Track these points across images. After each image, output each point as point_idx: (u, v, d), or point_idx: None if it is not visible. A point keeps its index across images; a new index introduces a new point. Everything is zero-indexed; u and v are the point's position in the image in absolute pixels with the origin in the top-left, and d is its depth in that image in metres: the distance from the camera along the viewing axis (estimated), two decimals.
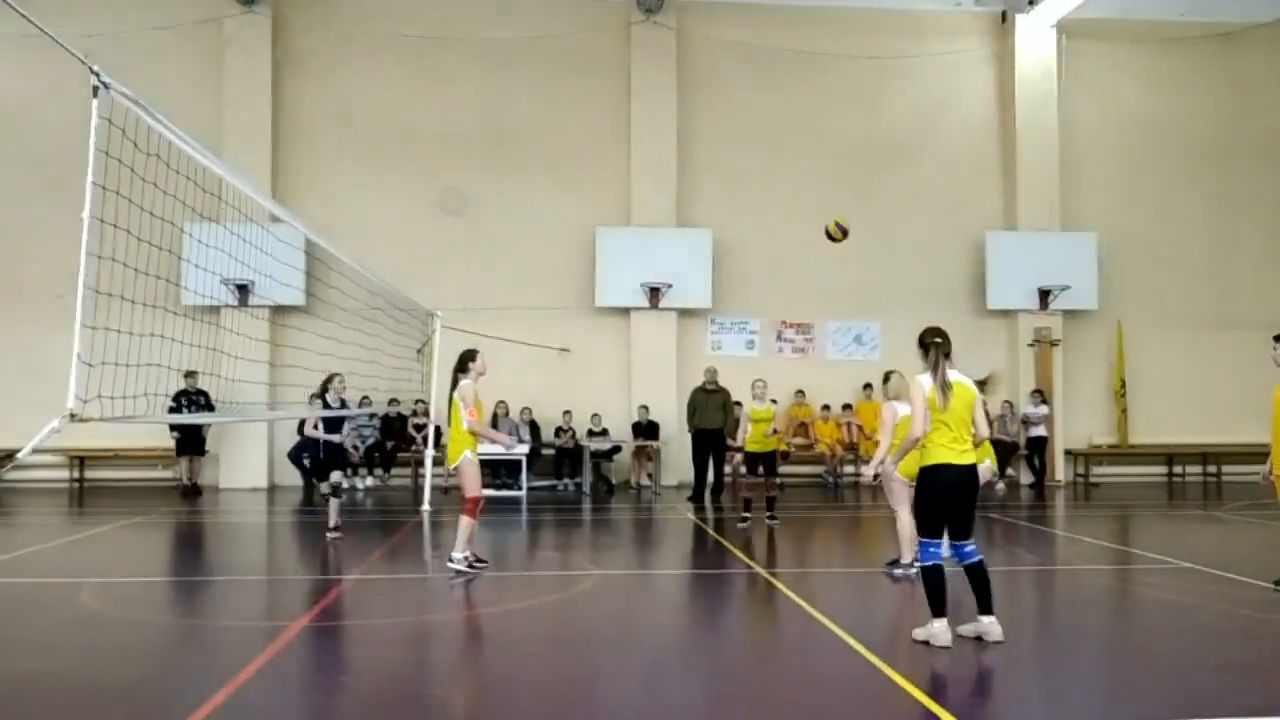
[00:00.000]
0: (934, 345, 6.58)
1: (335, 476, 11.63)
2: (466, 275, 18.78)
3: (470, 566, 9.37)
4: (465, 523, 9.36)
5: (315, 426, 11.67)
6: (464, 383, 9.35)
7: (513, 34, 19.28)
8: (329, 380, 11.60)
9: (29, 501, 16.45)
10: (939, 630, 6.32)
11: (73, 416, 4.03)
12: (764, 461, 12.83)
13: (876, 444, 9.21)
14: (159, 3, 18.56)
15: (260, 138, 18.56)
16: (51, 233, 17.31)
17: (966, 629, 6.54)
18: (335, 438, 11.64)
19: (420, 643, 7.23)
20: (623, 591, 9.10)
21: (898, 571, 9.20)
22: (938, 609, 6.36)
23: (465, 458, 9.29)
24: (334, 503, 11.58)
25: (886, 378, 9.47)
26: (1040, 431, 18.96)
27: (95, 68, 4.05)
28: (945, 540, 6.63)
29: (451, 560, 9.35)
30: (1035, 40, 19.98)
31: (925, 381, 6.55)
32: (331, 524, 11.47)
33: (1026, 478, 19.18)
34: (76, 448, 17.95)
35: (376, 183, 18.99)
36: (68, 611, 7.92)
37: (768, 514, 12.82)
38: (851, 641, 6.55)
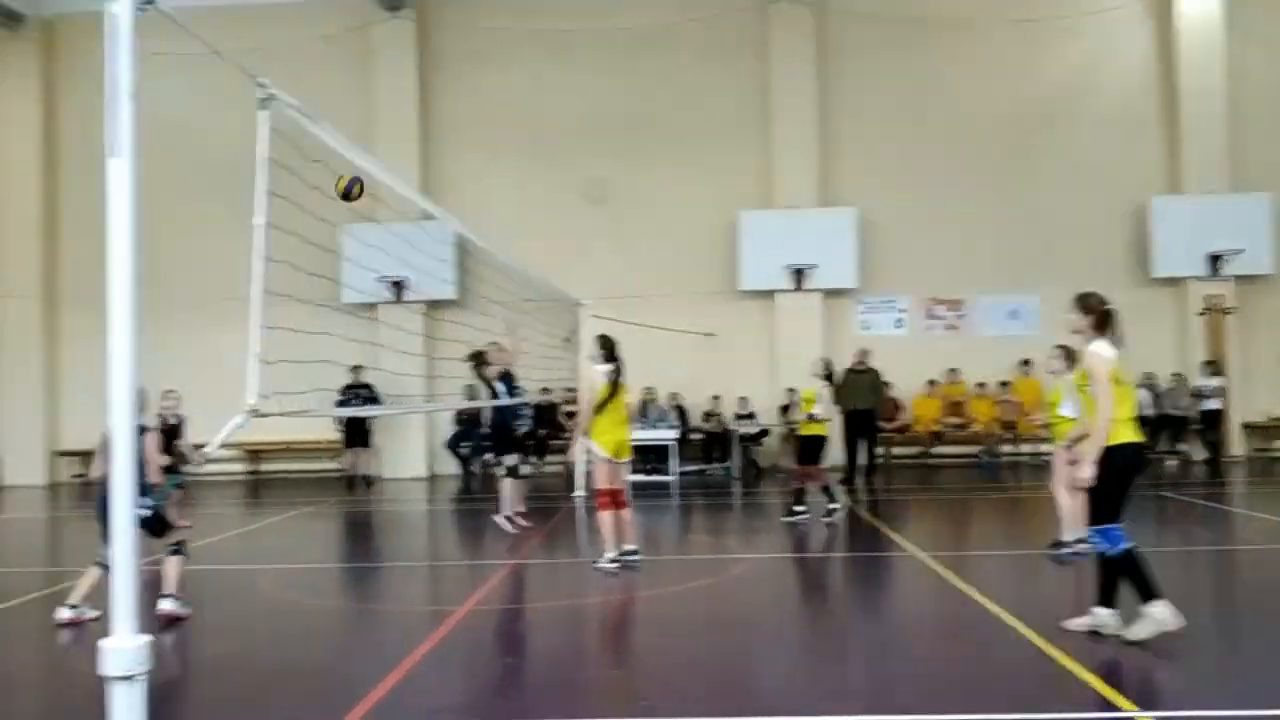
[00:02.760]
0: (1112, 312, 5.96)
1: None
2: (610, 263, 18.97)
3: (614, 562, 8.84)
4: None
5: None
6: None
7: (647, 21, 19.33)
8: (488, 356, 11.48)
9: (210, 494, 17.47)
10: (1166, 614, 5.74)
11: (254, 413, 4.26)
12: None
13: (1036, 422, 8.80)
14: (309, 14, 19.35)
15: (409, 137, 19.17)
16: (222, 238, 18.24)
17: (1080, 623, 6.11)
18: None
19: (579, 626, 7.39)
20: (777, 575, 9.08)
21: (1063, 553, 8.89)
22: (1154, 591, 5.79)
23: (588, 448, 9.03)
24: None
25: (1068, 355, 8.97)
26: (1214, 405, 17.95)
27: (264, 81, 4.27)
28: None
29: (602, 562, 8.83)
30: None
31: (1108, 352, 5.90)
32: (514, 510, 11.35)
33: (1200, 454, 18.21)
34: (252, 442, 18.95)
35: (520, 176, 19.37)
36: (250, 597, 8.40)
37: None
38: (1018, 625, 6.36)
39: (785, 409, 17.62)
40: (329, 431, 18.51)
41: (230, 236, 17.22)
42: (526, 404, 16.19)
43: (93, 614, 6.93)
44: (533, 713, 5.19)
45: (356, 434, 18.19)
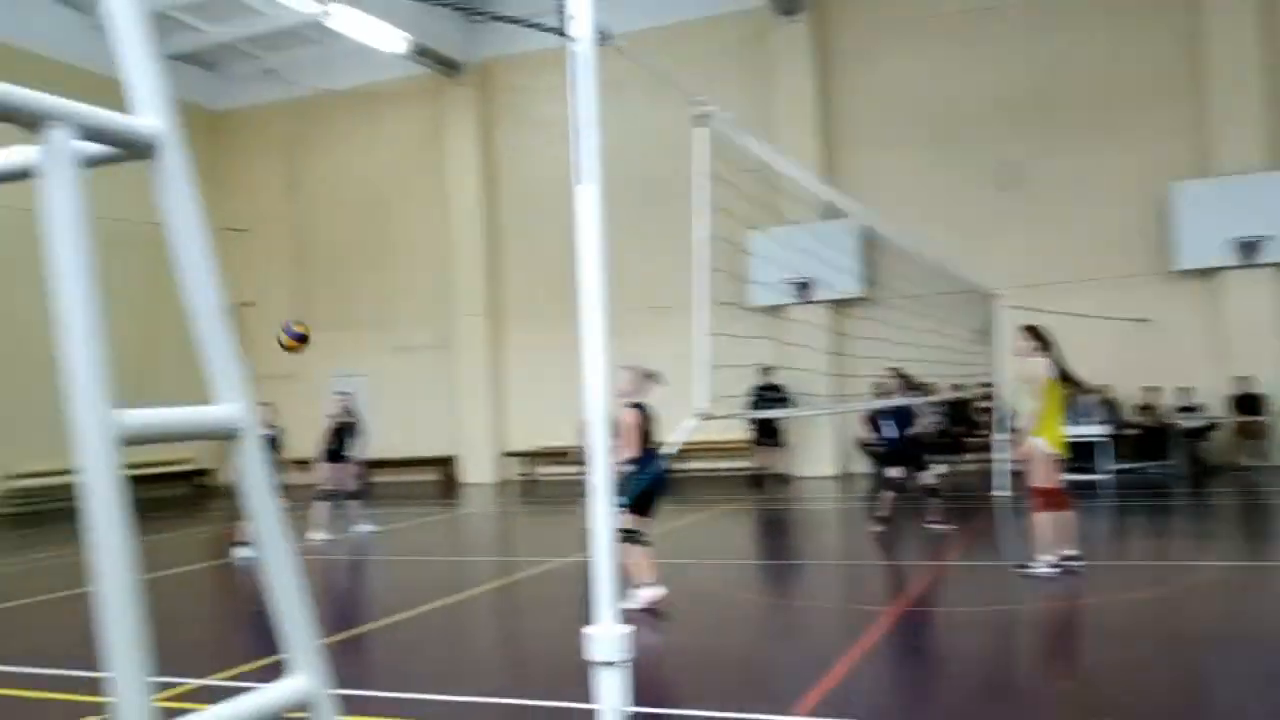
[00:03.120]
0: None
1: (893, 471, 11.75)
2: (1025, 250, 17.94)
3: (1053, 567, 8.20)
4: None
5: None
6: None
7: None
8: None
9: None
10: None
11: (705, 415, 4.46)
12: None
13: None
14: (708, 28, 20.08)
15: (809, 137, 19.23)
16: (641, 248, 19.28)
17: None
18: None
19: (1020, 632, 7.04)
20: (1243, 587, 8.10)
21: None
22: None
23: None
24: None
25: None
26: None
27: (702, 99, 4.46)
28: None
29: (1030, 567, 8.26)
30: None
31: None
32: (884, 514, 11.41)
33: None
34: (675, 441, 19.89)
35: (925, 166, 18.83)
36: (684, 589, 8.78)
37: None
38: None
39: (1239, 400, 15.80)
40: (739, 431, 19.03)
41: (650, 246, 18.39)
42: (939, 401, 15.70)
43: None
44: None
45: (767, 433, 18.58)
